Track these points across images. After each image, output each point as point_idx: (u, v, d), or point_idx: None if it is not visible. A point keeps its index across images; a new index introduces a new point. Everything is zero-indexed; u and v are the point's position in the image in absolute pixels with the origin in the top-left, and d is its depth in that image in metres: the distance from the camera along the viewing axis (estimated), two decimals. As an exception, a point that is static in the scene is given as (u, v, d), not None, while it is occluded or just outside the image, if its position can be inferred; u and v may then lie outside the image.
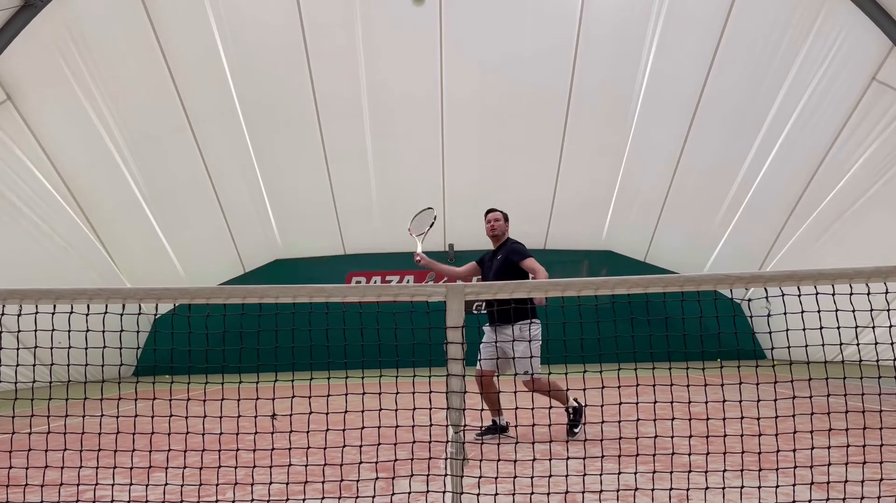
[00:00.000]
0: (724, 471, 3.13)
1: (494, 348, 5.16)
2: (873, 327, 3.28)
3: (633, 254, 17.03)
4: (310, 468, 3.41)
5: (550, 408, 3.50)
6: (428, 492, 3.23)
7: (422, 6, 10.18)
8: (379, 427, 3.04)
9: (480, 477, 3.43)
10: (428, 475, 3.16)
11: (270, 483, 3.23)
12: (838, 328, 2.84)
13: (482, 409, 5.30)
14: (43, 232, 12.03)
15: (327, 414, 2.98)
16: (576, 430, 5.00)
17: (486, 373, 5.17)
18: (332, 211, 15.76)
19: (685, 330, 3.03)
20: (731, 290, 2.79)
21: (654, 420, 3.22)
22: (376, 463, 3.28)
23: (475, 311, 5.09)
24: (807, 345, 2.84)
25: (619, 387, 3.01)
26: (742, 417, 3.06)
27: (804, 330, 2.88)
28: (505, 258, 5.48)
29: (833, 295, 2.69)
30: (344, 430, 3.15)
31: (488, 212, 5.87)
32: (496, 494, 3.00)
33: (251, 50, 12.05)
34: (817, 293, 2.68)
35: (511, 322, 5.04)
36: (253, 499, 3.10)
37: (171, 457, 3.64)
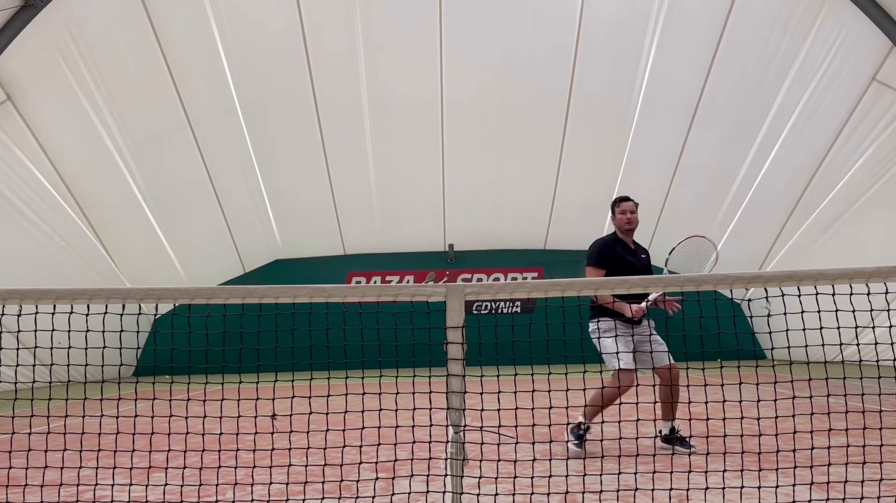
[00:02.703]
0: (724, 471, 3.13)
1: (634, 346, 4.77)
2: (873, 327, 3.28)
3: (633, 254, 17.02)
4: (310, 468, 3.41)
5: (550, 408, 3.49)
6: (428, 492, 3.23)
7: None
8: (379, 427, 3.04)
9: (480, 477, 3.42)
10: (428, 475, 3.16)
11: (270, 483, 3.23)
12: (838, 328, 2.84)
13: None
14: (43, 232, 12.04)
15: (327, 414, 2.98)
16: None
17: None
18: (332, 211, 15.76)
19: (685, 330, 3.03)
20: (731, 290, 2.79)
21: (654, 420, 3.22)
22: (376, 463, 3.27)
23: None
24: (807, 346, 2.84)
25: (619, 387, 3.01)
26: (742, 417, 3.06)
27: (804, 330, 2.88)
28: (648, 262, 5.14)
29: (833, 295, 2.69)
30: (344, 430, 3.15)
31: (624, 199, 5.17)
32: (496, 494, 3.00)
33: (251, 51, 12.05)
34: (817, 293, 2.68)
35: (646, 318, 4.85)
36: (253, 499, 3.10)
37: (171, 457, 3.64)
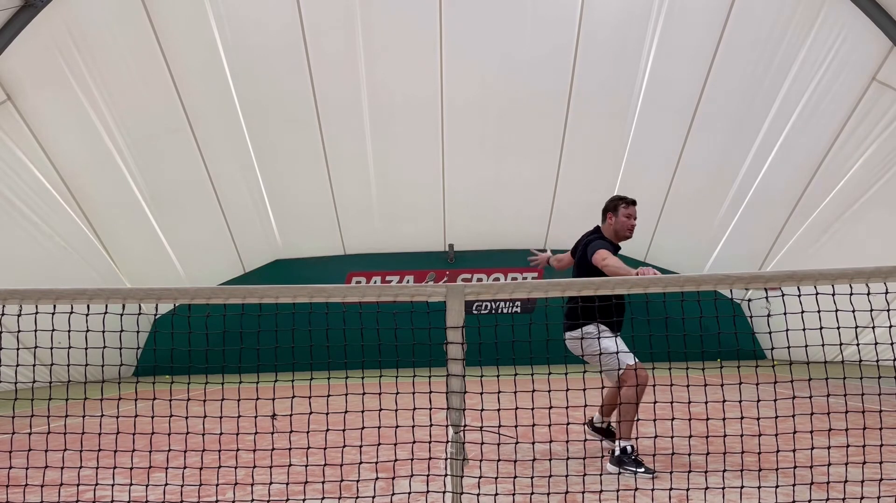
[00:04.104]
0: (724, 471, 3.13)
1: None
2: (873, 327, 3.28)
3: (633, 254, 17.01)
4: (310, 468, 3.41)
5: (550, 408, 3.48)
6: (428, 492, 3.23)
7: None
8: (379, 427, 3.04)
9: (480, 477, 3.43)
10: (428, 475, 3.16)
11: (270, 483, 3.23)
12: (838, 328, 2.84)
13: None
14: (43, 232, 12.03)
15: (327, 414, 2.98)
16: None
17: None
18: (332, 211, 15.76)
19: (685, 330, 3.03)
20: (731, 290, 2.79)
21: (654, 420, 3.22)
22: (376, 463, 3.28)
23: None
24: (807, 345, 2.84)
25: (618, 386, 3.01)
26: (742, 417, 3.06)
27: (804, 330, 2.88)
28: None
29: (833, 295, 2.69)
30: (344, 430, 3.15)
31: (633, 203, 4.60)
32: (496, 494, 3.00)
33: (251, 51, 12.05)
34: (817, 293, 2.68)
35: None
36: (253, 499, 3.10)
37: (171, 457, 3.64)
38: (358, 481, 3.54)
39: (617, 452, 3.94)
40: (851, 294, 2.67)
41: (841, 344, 2.76)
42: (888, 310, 2.61)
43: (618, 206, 4.54)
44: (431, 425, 2.92)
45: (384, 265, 17.52)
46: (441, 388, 2.75)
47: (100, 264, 13.71)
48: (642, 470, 3.81)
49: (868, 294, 2.67)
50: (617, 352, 4.07)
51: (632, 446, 3.95)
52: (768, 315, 3.31)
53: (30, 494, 3.15)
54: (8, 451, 3.46)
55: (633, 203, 4.53)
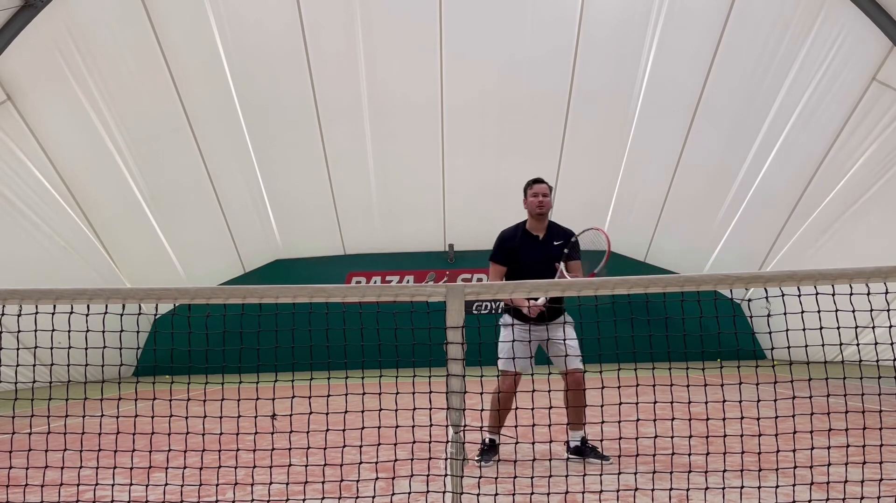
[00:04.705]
0: (724, 471, 3.13)
1: (529, 347, 4.45)
2: (873, 327, 3.28)
3: (634, 254, 17.02)
4: (310, 468, 3.41)
5: (550, 408, 3.48)
6: (428, 492, 3.23)
7: None
8: (379, 427, 3.04)
9: (480, 477, 3.43)
10: (428, 475, 3.16)
11: (270, 483, 3.23)
12: (838, 328, 2.84)
13: (482, 410, 5.17)
14: (43, 232, 12.04)
15: (327, 414, 2.98)
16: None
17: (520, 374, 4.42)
18: (332, 211, 15.77)
19: (685, 330, 3.03)
20: (731, 290, 2.79)
21: (654, 420, 3.22)
22: (376, 463, 3.28)
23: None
24: (807, 345, 2.84)
25: (619, 387, 3.01)
26: (742, 417, 3.06)
27: (804, 330, 2.88)
28: (569, 252, 4.61)
29: (833, 295, 2.69)
30: (344, 430, 3.15)
31: (537, 181, 4.63)
32: (496, 494, 3.00)
33: (251, 51, 12.06)
34: (817, 293, 2.68)
35: (558, 317, 4.51)
36: (253, 499, 3.10)
37: (171, 457, 3.63)
38: (358, 481, 3.54)
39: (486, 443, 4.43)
40: (851, 294, 2.67)
41: (841, 344, 2.76)
42: (888, 310, 2.62)
43: (525, 190, 4.70)
44: (431, 425, 2.92)
45: (384, 265, 17.52)
46: (441, 388, 2.75)
47: (100, 264, 13.71)
48: (482, 460, 4.27)
49: (868, 294, 2.67)
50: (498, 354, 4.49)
51: (491, 440, 4.44)
52: (768, 315, 3.32)
53: (30, 494, 3.15)
54: (8, 451, 3.46)
55: (538, 181, 4.65)
